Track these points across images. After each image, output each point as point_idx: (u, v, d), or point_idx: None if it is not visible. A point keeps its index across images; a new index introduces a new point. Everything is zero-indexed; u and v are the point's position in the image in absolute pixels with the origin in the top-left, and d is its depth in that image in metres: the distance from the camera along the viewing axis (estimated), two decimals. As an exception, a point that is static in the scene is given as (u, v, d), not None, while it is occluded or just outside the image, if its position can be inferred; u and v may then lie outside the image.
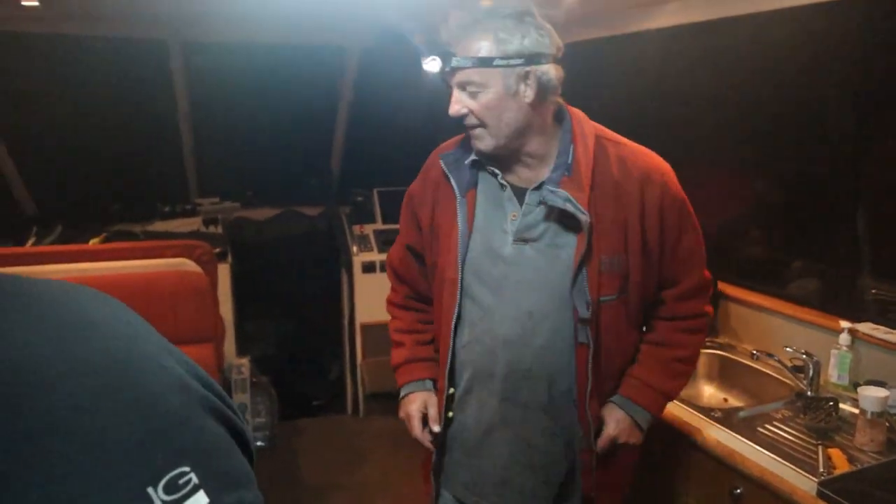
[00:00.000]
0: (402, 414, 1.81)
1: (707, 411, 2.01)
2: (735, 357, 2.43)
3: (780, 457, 1.73)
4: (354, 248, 3.94)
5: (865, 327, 2.10)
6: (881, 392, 1.76)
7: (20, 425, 0.40)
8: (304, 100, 3.80)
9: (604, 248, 1.56)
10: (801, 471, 1.66)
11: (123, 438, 0.42)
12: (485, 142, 1.57)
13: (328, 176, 4.30)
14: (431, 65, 1.54)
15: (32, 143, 3.46)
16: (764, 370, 2.30)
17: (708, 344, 2.53)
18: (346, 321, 4.16)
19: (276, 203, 4.23)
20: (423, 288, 1.86)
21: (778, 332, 2.36)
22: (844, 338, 2.10)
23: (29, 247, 3.24)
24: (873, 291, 2.17)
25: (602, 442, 1.67)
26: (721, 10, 2.36)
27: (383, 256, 3.89)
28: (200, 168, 4.08)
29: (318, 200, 4.24)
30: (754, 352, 2.25)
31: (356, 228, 4.03)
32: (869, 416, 1.75)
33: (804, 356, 2.11)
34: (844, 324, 2.12)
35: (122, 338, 0.48)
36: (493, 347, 1.63)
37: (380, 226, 4.06)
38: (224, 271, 3.54)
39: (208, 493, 0.43)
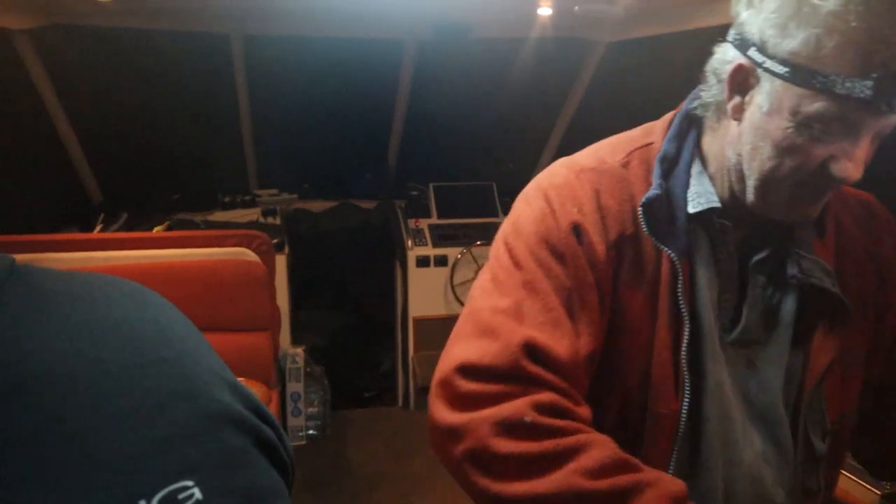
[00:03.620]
0: None
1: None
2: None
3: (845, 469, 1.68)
4: (409, 243, 3.97)
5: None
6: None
7: (16, 421, 0.39)
8: (362, 93, 3.83)
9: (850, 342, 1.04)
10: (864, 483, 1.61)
11: (121, 446, 0.40)
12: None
13: (384, 169, 4.32)
14: None
15: (101, 134, 3.58)
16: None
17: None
18: (399, 314, 4.20)
19: (333, 196, 4.28)
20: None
21: None
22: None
23: (96, 233, 3.35)
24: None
25: None
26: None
27: (437, 251, 3.95)
28: (260, 160, 4.16)
29: (374, 194, 4.27)
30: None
31: (411, 222, 4.05)
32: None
33: None
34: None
35: (145, 341, 0.46)
36: None
37: (435, 220, 4.08)
38: (281, 262, 3.61)
39: None
